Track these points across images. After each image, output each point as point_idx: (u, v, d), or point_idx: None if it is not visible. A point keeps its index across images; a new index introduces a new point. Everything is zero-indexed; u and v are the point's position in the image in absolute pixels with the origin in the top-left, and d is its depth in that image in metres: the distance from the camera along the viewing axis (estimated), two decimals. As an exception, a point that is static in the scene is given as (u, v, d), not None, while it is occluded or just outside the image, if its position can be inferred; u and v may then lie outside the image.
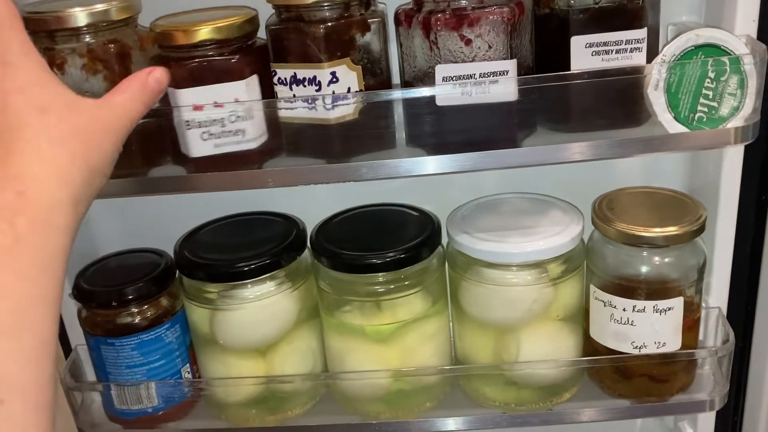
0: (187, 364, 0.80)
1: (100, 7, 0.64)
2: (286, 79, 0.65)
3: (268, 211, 0.83)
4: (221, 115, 0.64)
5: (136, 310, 0.76)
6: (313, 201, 0.84)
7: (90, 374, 0.84)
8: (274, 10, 0.67)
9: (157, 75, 0.50)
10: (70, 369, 0.82)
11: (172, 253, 0.79)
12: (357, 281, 0.74)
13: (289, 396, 0.79)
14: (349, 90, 0.65)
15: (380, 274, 0.73)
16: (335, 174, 0.67)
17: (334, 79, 0.64)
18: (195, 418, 0.81)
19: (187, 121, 0.64)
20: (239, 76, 0.64)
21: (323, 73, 0.64)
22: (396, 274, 0.73)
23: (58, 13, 0.63)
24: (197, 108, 0.63)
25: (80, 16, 0.63)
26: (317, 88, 0.64)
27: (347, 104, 0.64)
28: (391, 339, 0.76)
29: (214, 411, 0.81)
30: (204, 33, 0.63)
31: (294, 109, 0.65)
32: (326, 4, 0.64)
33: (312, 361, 0.81)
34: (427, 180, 0.84)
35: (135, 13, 0.68)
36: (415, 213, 0.80)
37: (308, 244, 0.78)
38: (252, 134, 0.65)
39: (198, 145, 0.64)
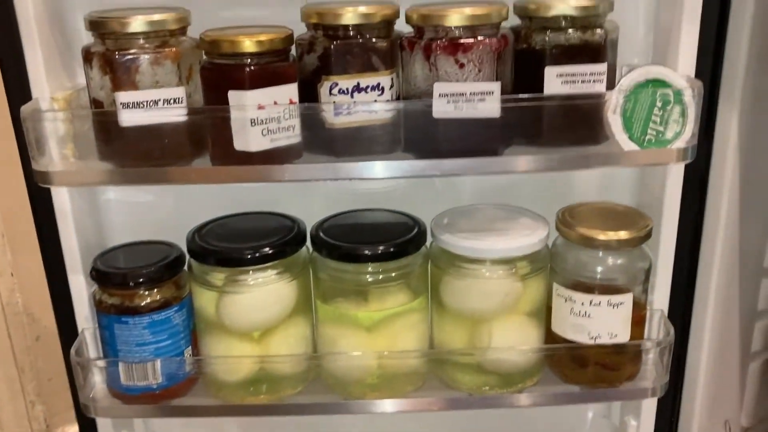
0: (190, 347, 0.88)
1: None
2: (347, 89, 0.76)
3: (273, 211, 0.92)
4: (278, 113, 0.74)
5: (148, 292, 0.84)
6: (312, 205, 0.94)
7: (93, 356, 0.90)
8: (319, 31, 0.78)
9: None
10: (77, 350, 0.88)
11: (182, 246, 0.87)
12: (351, 270, 0.84)
13: (283, 377, 0.87)
14: (398, 96, 0.79)
15: (372, 264, 0.83)
16: (343, 171, 0.77)
17: (392, 84, 0.77)
18: (195, 395, 0.88)
19: (252, 119, 0.73)
20: (293, 79, 0.76)
21: (386, 80, 0.76)
22: (385, 266, 0.84)
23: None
24: (261, 107, 0.73)
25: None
26: (380, 93, 0.76)
27: (384, 111, 0.77)
28: (378, 326, 0.86)
29: (212, 390, 0.88)
30: (267, 42, 0.73)
31: (353, 113, 0.77)
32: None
33: (305, 347, 0.89)
34: (414, 191, 0.95)
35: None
36: (404, 216, 0.90)
37: (308, 239, 0.87)
38: (299, 130, 0.76)
39: (259, 140, 0.74)
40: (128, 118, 0.75)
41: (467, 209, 0.92)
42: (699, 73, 0.81)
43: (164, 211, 0.95)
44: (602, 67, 0.78)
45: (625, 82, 0.76)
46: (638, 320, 0.86)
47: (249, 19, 0.86)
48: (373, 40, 0.77)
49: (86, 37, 0.79)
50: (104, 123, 0.77)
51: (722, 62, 0.91)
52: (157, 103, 0.76)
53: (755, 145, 0.98)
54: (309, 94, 0.79)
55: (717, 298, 1.01)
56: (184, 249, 0.87)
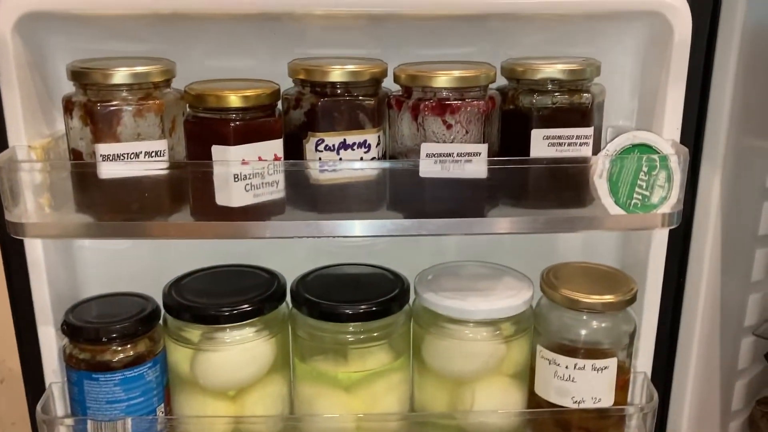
0: (162, 404, 0.85)
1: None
2: (333, 145, 0.75)
3: (252, 265, 0.90)
4: (262, 168, 0.72)
5: (121, 348, 0.81)
6: (293, 259, 0.92)
7: (61, 413, 0.87)
8: (306, 87, 0.77)
9: None
10: (43, 407, 0.85)
11: (157, 299, 0.85)
12: (331, 330, 0.82)
13: (259, 438, 0.85)
14: (385, 153, 0.79)
15: (353, 324, 0.81)
16: (327, 229, 0.75)
17: (379, 142, 0.77)
18: (166, 456, 0.85)
19: (235, 174, 0.72)
20: (278, 135, 0.75)
21: (372, 137, 0.76)
22: (367, 325, 0.82)
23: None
24: (245, 162, 0.72)
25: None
26: (367, 150, 0.76)
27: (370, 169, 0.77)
28: (357, 387, 0.83)
29: (184, 450, 0.85)
30: (253, 97, 0.72)
31: (338, 170, 0.76)
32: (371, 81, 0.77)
33: (281, 407, 0.86)
34: (398, 246, 0.94)
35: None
36: (386, 273, 0.89)
37: (288, 295, 0.85)
38: (282, 185, 0.75)
39: (241, 196, 0.73)
40: (108, 171, 0.73)
41: (451, 266, 0.91)
42: (683, 135, 0.82)
43: (141, 260, 0.93)
44: (589, 131, 0.78)
45: (612, 147, 0.76)
46: (622, 384, 0.85)
47: (235, 69, 0.85)
48: (361, 97, 0.77)
49: (67, 85, 0.77)
50: (82, 174, 0.75)
51: (705, 124, 0.92)
52: (138, 156, 0.74)
53: (737, 206, 0.99)
54: (294, 149, 0.78)
55: (698, 359, 1.01)
56: (161, 301, 0.85)
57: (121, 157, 0.74)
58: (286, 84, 0.79)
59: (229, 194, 0.74)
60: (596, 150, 0.80)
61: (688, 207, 0.94)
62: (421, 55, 0.86)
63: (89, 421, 0.81)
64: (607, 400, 0.83)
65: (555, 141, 0.78)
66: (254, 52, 0.86)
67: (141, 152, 0.74)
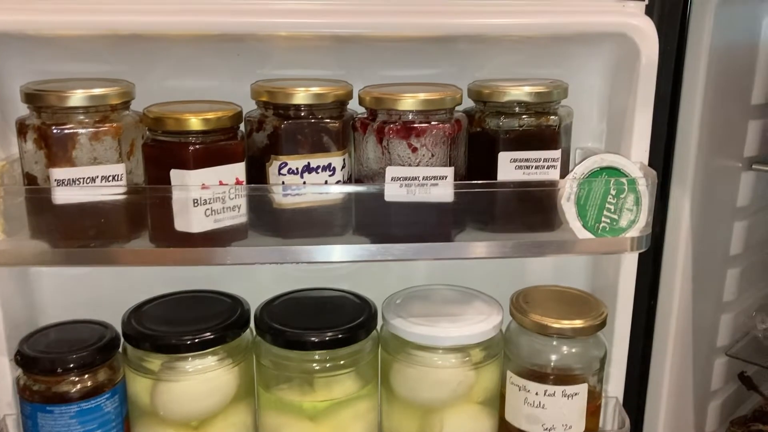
0: (121, 436, 0.82)
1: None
2: (297, 169, 0.74)
3: (214, 290, 0.88)
4: (222, 192, 0.70)
5: (77, 379, 0.78)
6: (257, 283, 0.90)
7: (16, 446, 0.84)
8: (269, 110, 0.75)
9: None
10: (-4, 439, 0.82)
11: (117, 327, 0.82)
12: (296, 358, 0.80)
13: (222, 470, 0.82)
14: (351, 176, 0.78)
15: (318, 352, 0.79)
16: (290, 255, 0.74)
17: (344, 165, 0.75)
18: (125, 490, 0.82)
19: (195, 199, 0.70)
20: (240, 158, 0.73)
21: (337, 160, 0.74)
22: (333, 353, 0.80)
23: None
24: (204, 187, 0.70)
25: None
26: (332, 173, 0.74)
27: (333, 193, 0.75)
28: (324, 416, 0.81)
29: (144, 484, 0.82)
30: (214, 120, 0.71)
31: (302, 194, 0.74)
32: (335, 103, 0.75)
33: (245, 437, 0.84)
34: (365, 269, 0.92)
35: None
36: (353, 298, 0.87)
37: (252, 322, 0.83)
38: (244, 210, 0.73)
39: (201, 221, 0.71)
40: (62, 196, 0.71)
41: (419, 291, 0.89)
42: (652, 157, 0.81)
43: (100, 286, 0.90)
44: (556, 154, 0.77)
45: (579, 170, 0.76)
46: (593, 410, 0.84)
47: (197, 90, 0.84)
48: (325, 120, 0.75)
49: (22, 107, 0.75)
50: (37, 200, 0.72)
51: (674, 145, 0.92)
52: (94, 180, 0.72)
53: (708, 227, 0.99)
54: (257, 172, 0.76)
55: (671, 382, 1.00)
56: (120, 328, 0.82)
57: (77, 182, 0.71)
58: (250, 105, 0.78)
59: (189, 220, 0.72)
60: (564, 173, 0.79)
61: (659, 228, 0.93)
62: (387, 76, 0.85)
63: (44, 456, 0.78)
64: (578, 427, 0.82)
65: (522, 164, 0.77)
66: (216, 72, 0.85)
67: (97, 177, 0.72)
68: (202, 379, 0.79)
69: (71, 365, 0.77)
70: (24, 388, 0.78)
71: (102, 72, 0.81)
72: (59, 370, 0.77)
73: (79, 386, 0.78)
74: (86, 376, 0.78)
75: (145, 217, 0.74)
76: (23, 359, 0.78)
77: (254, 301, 0.86)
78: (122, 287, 0.89)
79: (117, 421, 0.81)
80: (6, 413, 0.83)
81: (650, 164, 0.81)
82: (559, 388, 0.80)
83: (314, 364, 0.79)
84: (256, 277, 0.91)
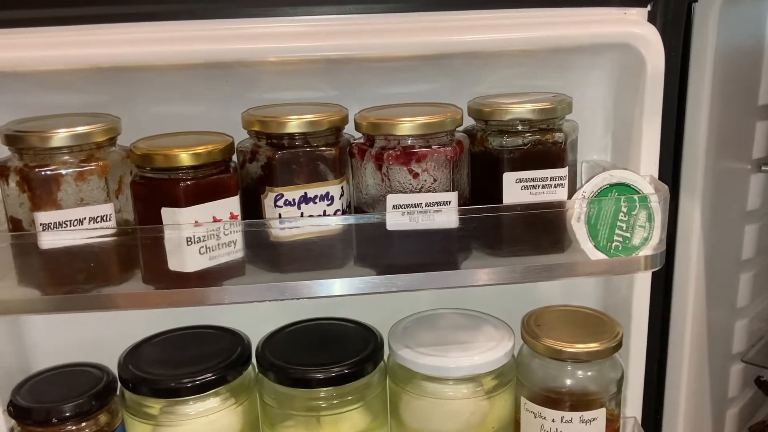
0: (123, 484, 0.79)
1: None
2: (294, 200, 0.70)
3: (212, 325, 0.84)
4: (216, 228, 0.67)
5: (74, 428, 0.75)
6: (258, 313, 0.86)
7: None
8: (262, 140, 0.72)
9: None
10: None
11: (113, 367, 0.79)
12: (301, 395, 0.77)
13: None
14: (350, 204, 0.74)
15: (324, 389, 0.76)
16: (290, 291, 0.70)
17: (343, 193, 0.72)
18: None
19: (188, 238, 0.66)
20: (234, 192, 0.70)
21: (335, 189, 0.71)
22: (340, 389, 0.76)
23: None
24: (197, 224, 0.67)
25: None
26: (330, 203, 0.71)
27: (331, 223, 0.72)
28: (332, 453, 0.78)
29: None
30: (204, 154, 0.68)
31: (300, 227, 0.71)
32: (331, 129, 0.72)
33: (252, 478, 0.81)
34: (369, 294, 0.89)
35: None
36: (358, 327, 0.84)
37: (253, 357, 0.80)
38: (240, 245, 0.70)
39: (196, 260, 0.68)
40: (49, 241, 0.68)
41: (426, 316, 0.86)
42: (660, 166, 0.78)
43: (94, 325, 0.87)
44: (563, 172, 0.74)
45: (588, 189, 0.72)
46: (612, 434, 0.81)
47: (184, 116, 0.80)
48: (321, 148, 0.72)
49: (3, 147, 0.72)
50: (23, 245, 0.69)
51: (681, 154, 0.89)
52: (82, 222, 0.69)
53: (718, 233, 0.96)
54: (252, 204, 0.73)
55: (688, 392, 0.97)
56: (116, 368, 0.78)
57: (64, 225, 0.68)
58: (241, 130, 0.74)
59: (183, 259, 0.68)
60: (572, 189, 0.76)
61: (670, 238, 0.90)
62: (382, 94, 0.82)
63: None
64: (597, 453, 0.79)
65: (528, 184, 0.74)
66: (204, 98, 0.81)
67: (85, 218, 0.69)
68: (205, 422, 0.76)
69: (67, 414, 0.74)
70: (18, 440, 0.75)
71: (83, 103, 0.78)
72: (54, 420, 0.74)
73: (76, 435, 0.75)
74: (83, 424, 0.75)
75: (137, 257, 0.70)
76: (16, 410, 0.74)
77: (254, 333, 0.83)
78: (117, 324, 0.85)
79: (117, 468, 0.78)
80: (1, 465, 0.80)
81: (659, 174, 0.78)
82: (576, 414, 0.77)
83: (321, 402, 0.76)
84: (256, 308, 0.87)
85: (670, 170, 0.87)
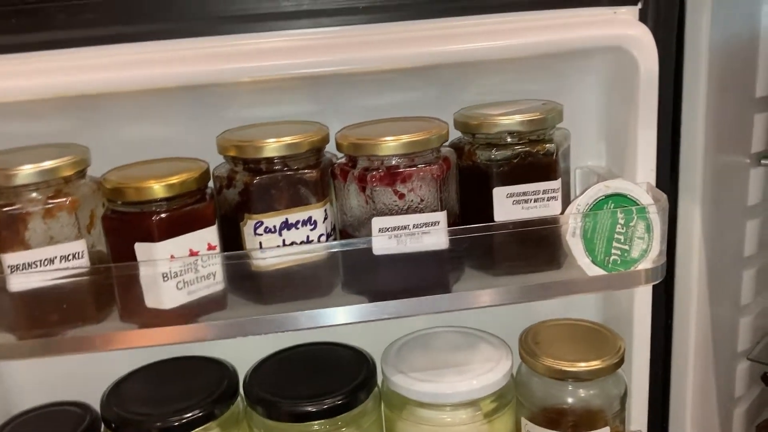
0: None
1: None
2: (275, 227, 0.67)
3: (197, 356, 0.81)
4: (194, 261, 0.64)
5: (58, 472, 0.72)
6: (244, 340, 0.83)
7: None
8: (238, 165, 0.69)
9: None
10: None
11: (95, 404, 0.76)
12: (293, 429, 0.73)
13: None
14: (335, 227, 0.71)
15: (317, 422, 0.73)
16: (275, 324, 0.67)
17: (326, 216, 0.69)
18: None
19: (164, 273, 0.63)
20: (211, 222, 0.67)
21: (318, 213, 0.67)
22: (333, 421, 0.73)
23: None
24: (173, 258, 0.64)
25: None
26: (313, 227, 0.67)
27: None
28: (329, 485, 0.75)
29: None
30: (178, 185, 0.64)
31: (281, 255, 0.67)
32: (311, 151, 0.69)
33: None
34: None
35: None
36: (349, 351, 0.80)
37: (241, 389, 0.77)
38: (221, 276, 0.66)
39: (173, 295, 0.64)
40: (18, 283, 0.64)
41: (420, 337, 0.83)
42: (658, 169, 0.75)
43: (75, 361, 0.82)
44: (556, 184, 0.71)
45: (583, 201, 0.69)
46: (618, 451, 0.78)
47: (157, 140, 0.76)
48: (301, 170, 0.68)
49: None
50: (-9, 288, 0.66)
51: (679, 154, 0.86)
52: (53, 261, 0.65)
53: (720, 231, 0.93)
54: (232, 232, 0.69)
55: (695, 393, 0.94)
56: (99, 408, 0.75)
57: (33, 266, 0.65)
58: (216, 154, 0.70)
59: (160, 295, 0.65)
60: (566, 199, 0.73)
61: (670, 239, 0.87)
62: (364, 106, 0.78)
63: None
64: (603, 473, 0.76)
65: (520, 198, 0.71)
66: (177, 120, 0.78)
67: (56, 257, 0.65)
68: (194, 460, 0.73)
69: (50, 459, 0.71)
70: (0, 488, 0.72)
71: (47, 131, 0.74)
72: (36, 467, 0.71)
73: (59, 480, 0.72)
74: (67, 467, 0.72)
75: (113, 295, 0.67)
76: (-4, 458, 0.71)
77: (239, 361, 0.80)
78: (98, 358, 0.81)
79: None
80: None
81: (657, 176, 0.75)
82: (579, 435, 0.74)
83: (313, 435, 0.73)
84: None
85: (668, 171, 0.83)
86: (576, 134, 0.78)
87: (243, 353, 0.81)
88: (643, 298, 0.79)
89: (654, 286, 0.81)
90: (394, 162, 0.67)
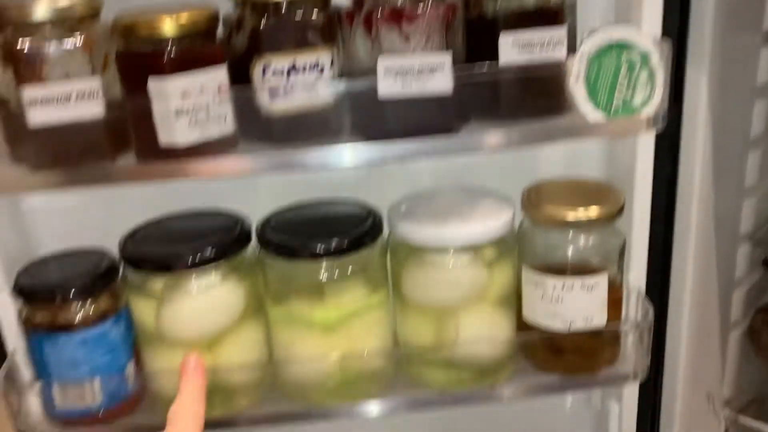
0: (131, 362, 0.80)
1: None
2: (283, 69, 0.68)
3: (212, 209, 0.84)
4: (207, 100, 0.66)
5: (80, 306, 0.76)
6: (255, 198, 0.86)
7: (27, 379, 0.82)
8: (247, 8, 0.70)
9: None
10: (6, 374, 0.80)
11: (115, 251, 0.79)
12: (303, 269, 0.77)
13: (237, 388, 0.80)
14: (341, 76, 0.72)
15: (326, 260, 0.76)
16: (285, 162, 0.69)
17: (333, 61, 0.70)
18: (143, 412, 0.80)
19: (177, 110, 0.65)
20: (220, 61, 0.68)
21: (325, 57, 0.69)
22: (341, 261, 0.76)
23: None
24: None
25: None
26: (320, 72, 0.69)
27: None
28: (336, 327, 0.79)
29: (160, 407, 0.80)
30: (188, 24, 0.66)
31: (290, 96, 0.69)
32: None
33: (258, 354, 0.82)
34: (366, 177, 0.88)
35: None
36: (356, 206, 0.83)
37: (254, 237, 0.80)
38: (231, 118, 0.69)
39: (186, 133, 0.67)
40: (37, 117, 0.67)
41: (425, 194, 0.85)
42: (665, 33, 0.75)
43: (94, 214, 0.87)
44: (561, 31, 0.71)
45: (587, 47, 0.70)
46: (614, 302, 0.81)
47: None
48: (308, 13, 0.69)
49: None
50: (11, 124, 0.68)
51: (688, 21, 0.85)
52: (69, 98, 0.68)
53: (726, 107, 0.93)
54: (242, 80, 0.71)
55: (695, 270, 0.96)
56: (118, 253, 0.79)
57: (51, 101, 0.67)
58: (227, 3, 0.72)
59: (172, 132, 0.67)
60: (571, 54, 0.73)
61: (675, 111, 0.87)
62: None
63: (55, 385, 0.77)
64: (599, 320, 0.79)
65: (525, 45, 0.71)
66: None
67: (72, 92, 0.68)
68: (207, 298, 0.77)
69: (72, 292, 0.75)
70: (27, 320, 0.77)
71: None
72: (59, 299, 0.75)
73: (81, 314, 0.76)
74: (88, 303, 0.76)
75: (128, 134, 0.70)
76: (22, 290, 0.76)
77: (254, 217, 0.83)
78: (116, 214, 0.85)
79: (125, 347, 0.79)
80: (15, 346, 0.82)
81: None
82: (577, 281, 0.77)
83: (322, 273, 0.76)
84: (252, 194, 0.87)
85: (676, 40, 0.83)
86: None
87: (253, 210, 0.83)
88: (645, 152, 0.79)
89: (658, 155, 0.82)
90: (400, 2, 0.68)
